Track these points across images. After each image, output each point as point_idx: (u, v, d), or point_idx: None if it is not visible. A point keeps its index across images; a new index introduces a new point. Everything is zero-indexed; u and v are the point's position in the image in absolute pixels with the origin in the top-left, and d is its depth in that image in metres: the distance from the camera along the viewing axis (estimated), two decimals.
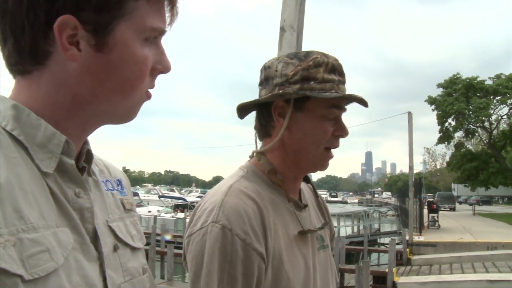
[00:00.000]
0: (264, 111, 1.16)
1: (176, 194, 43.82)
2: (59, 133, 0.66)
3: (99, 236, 0.70)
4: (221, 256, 0.98)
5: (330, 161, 1.18)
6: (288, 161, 1.15)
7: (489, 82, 34.11)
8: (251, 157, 1.20)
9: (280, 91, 1.10)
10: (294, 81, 1.10)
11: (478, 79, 34.06)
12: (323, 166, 1.18)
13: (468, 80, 33.91)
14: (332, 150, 1.16)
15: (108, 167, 0.88)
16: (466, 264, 12.47)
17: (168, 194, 40.75)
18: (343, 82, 1.13)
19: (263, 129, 1.18)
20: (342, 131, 1.14)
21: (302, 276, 1.09)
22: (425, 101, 36.19)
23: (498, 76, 34.22)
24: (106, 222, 0.75)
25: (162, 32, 0.72)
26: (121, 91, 0.69)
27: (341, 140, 1.17)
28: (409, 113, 17.27)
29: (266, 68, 1.16)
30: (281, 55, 1.17)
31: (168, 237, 18.02)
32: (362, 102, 1.14)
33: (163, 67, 0.74)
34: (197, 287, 0.99)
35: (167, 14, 0.73)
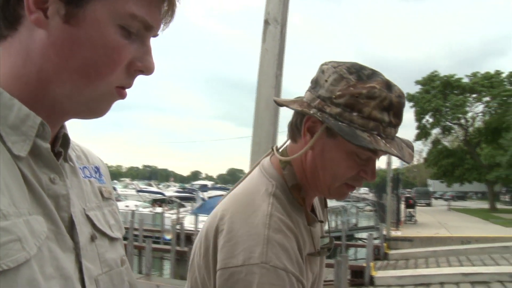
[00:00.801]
0: (299, 117, 1.04)
1: (154, 188, 43.60)
2: (33, 114, 0.61)
3: (75, 225, 0.66)
4: None
5: None
6: (308, 178, 1.05)
7: (466, 80, 34.79)
8: (276, 149, 1.11)
9: (316, 109, 0.97)
10: (337, 104, 0.95)
11: (455, 77, 34.70)
12: (338, 197, 1.07)
13: (445, 78, 34.51)
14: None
15: (86, 153, 0.83)
16: (441, 258, 12.70)
17: (146, 188, 40.52)
18: (395, 125, 0.97)
19: (292, 132, 1.08)
20: (367, 175, 1.01)
21: None
22: None
23: (474, 74, 34.90)
24: (84, 210, 0.70)
25: (146, 25, 0.65)
26: (84, 74, 0.62)
27: None
28: None
29: (321, 71, 1.01)
30: (345, 62, 1.00)
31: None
32: (403, 159, 0.97)
33: (143, 66, 0.66)
34: None
35: (164, 9, 0.67)
